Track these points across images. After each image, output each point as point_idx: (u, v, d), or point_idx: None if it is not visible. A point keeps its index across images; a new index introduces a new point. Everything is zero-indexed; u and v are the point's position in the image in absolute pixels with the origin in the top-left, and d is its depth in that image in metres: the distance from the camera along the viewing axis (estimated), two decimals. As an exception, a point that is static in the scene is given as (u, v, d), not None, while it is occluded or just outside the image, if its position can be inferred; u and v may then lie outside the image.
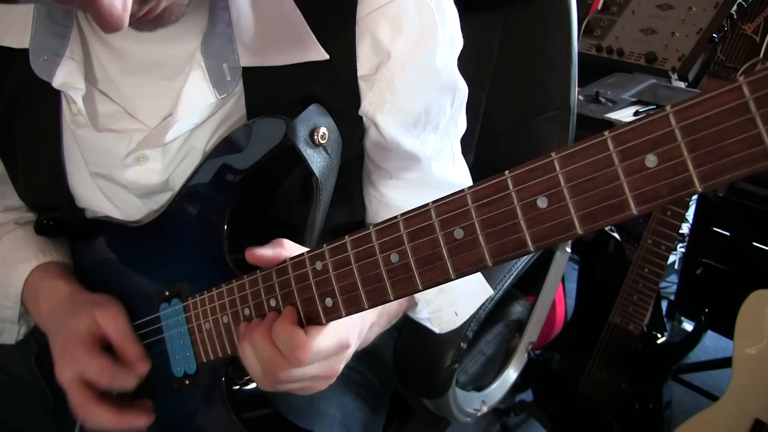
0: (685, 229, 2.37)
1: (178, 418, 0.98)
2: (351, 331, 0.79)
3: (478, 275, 1.09)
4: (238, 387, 0.91)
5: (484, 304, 1.22)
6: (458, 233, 0.58)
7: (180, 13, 0.79)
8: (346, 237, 0.68)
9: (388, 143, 0.93)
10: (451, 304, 1.07)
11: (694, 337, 1.82)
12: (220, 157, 0.89)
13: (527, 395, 2.22)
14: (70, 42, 0.88)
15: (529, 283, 1.69)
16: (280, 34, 0.85)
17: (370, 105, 0.90)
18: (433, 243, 0.60)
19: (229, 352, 0.84)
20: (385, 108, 0.90)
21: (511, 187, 0.54)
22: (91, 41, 0.90)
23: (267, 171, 0.89)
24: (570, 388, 1.98)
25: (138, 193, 0.95)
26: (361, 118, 0.92)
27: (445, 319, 1.08)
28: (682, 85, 2.18)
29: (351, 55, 0.86)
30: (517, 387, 1.94)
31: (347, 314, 0.71)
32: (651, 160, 0.46)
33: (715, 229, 2.19)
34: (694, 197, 2.16)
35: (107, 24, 0.65)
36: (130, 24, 0.68)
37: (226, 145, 0.89)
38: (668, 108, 0.44)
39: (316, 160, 0.84)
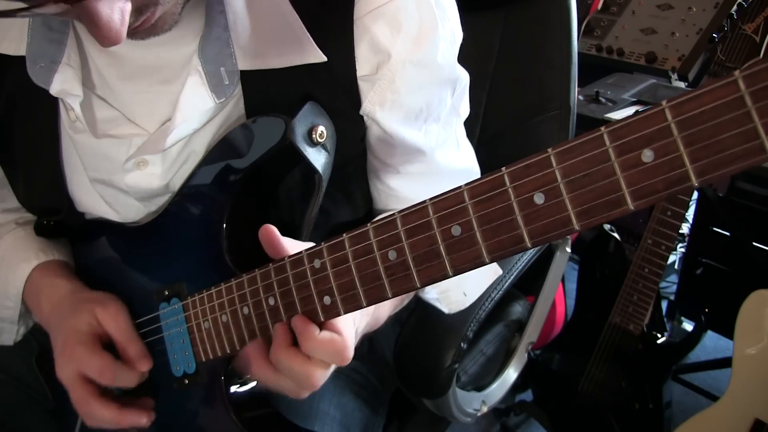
0: (685, 229, 2.37)
1: (177, 418, 0.98)
2: (355, 316, 0.80)
3: None
4: (237, 386, 0.91)
5: (485, 303, 1.22)
6: (455, 230, 0.58)
7: (173, 21, 0.79)
8: (344, 235, 0.68)
9: (392, 138, 0.93)
10: (459, 284, 1.08)
11: (694, 337, 1.82)
12: (219, 156, 0.90)
13: (527, 395, 2.22)
14: (66, 48, 0.88)
15: (529, 283, 1.69)
16: (278, 36, 0.85)
17: (371, 104, 0.90)
18: (431, 240, 0.60)
19: (229, 351, 0.84)
20: (386, 106, 0.90)
21: (507, 183, 0.54)
22: (87, 47, 0.90)
23: (266, 170, 0.89)
24: (570, 388, 1.98)
25: (138, 196, 0.96)
26: (362, 117, 0.92)
27: (453, 300, 1.09)
28: (682, 85, 2.17)
29: (350, 56, 0.86)
30: (517, 387, 1.94)
31: (345, 312, 0.71)
32: (647, 155, 0.46)
33: (715, 229, 2.19)
34: (694, 196, 2.16)
35: (105, 38, 0.66)
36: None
37: (225, 145, 0.89)
38: (664, 103, 0.44)
39: (317, 158, 0.84)
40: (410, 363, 1.29)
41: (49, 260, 1.04)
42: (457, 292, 1.08)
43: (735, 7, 1.74)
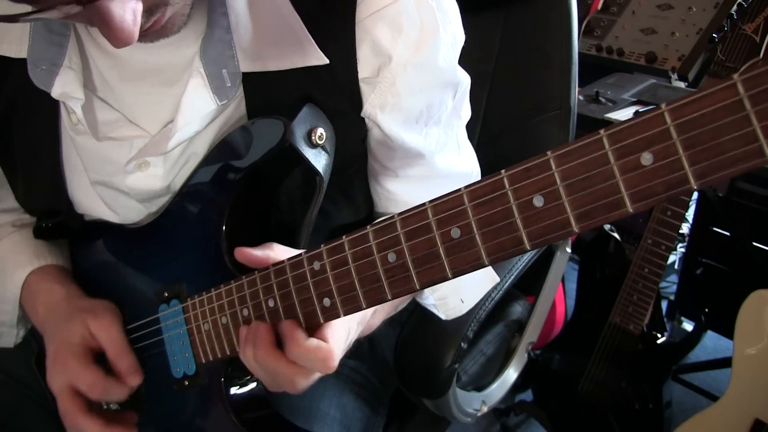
0: (685, 229, 2.37)
1: (177, 420, 0.98)
2: (349, 319, 0.80)
3: None
4: (237, 388, 0.91)
5: (485, 303, 1.22)
6: (455, 232, 0.58)
7: (181, 23, 0.80)
8: (344, 237, 0.68)
9: (392, 141, 0.93)
10: (457, 290, 1.08)
11: (694, 337, 1.82)
12: (219, 158, 0.90)
13: (527, 395, 2.22)
14: (67, 51, 0.88)
15: (529, 283, 1.69)
16: (279, 38, 0.85)
17: (372, 107, 0.90)
18: (430, 242, 0.60)
19: (228, 353, 0.84)
20: (386, 109, 0.90)
21: (507, 185, 0.54)
22: (89, 49, 0.90)
23: (265, 172, 0.89)
24: (570, 388, 1.98)
25: (139, 198, 0.96)
26: (363, 119, 0.92)
27: (450, 306, 1.09)
28: (682, 85, 2.17)
29: (351, 58, 0.86)
30: (517, 387, 1.94)
31: (345, 314, 0.71)
32: (646, 158, 0.46)
33: (715, 229, 2.19)
34: (694, 197, 2.16)
35: (118, 39, 0.66)
36: None
37: (225, 147, 0.89)
38: (663, 106, 0.45)
39: (318, 160, 0.84)
40: (410, 363, 1.29)
41: (46, 265, 1.04)
42: (454, 299, 1.08)
43: (735, 7, 1.74)
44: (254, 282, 0.79)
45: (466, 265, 0.59)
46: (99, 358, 0.94)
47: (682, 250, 2.54)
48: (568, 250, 1.67)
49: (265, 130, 0.85)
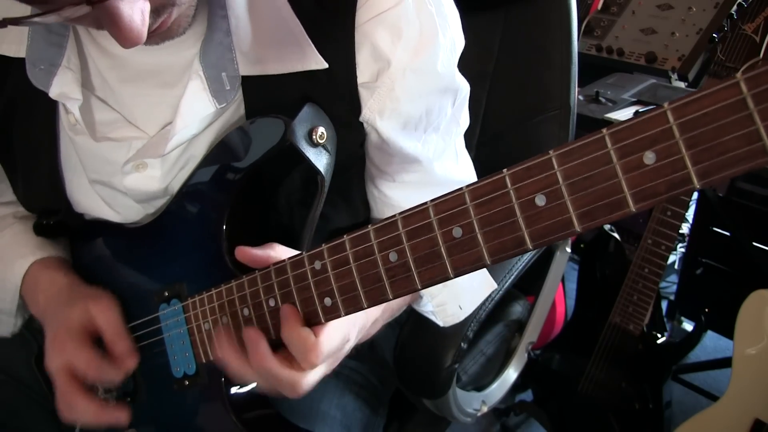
0: (685, 229, 2.37)
1: (177, 419, 0.98)
2: (351, 326, 0.80)
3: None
4: (238, 387, 0.91)
5: (485, 303, 1.22)
6: (457, 232, 0.58)
7: (186, 24, 0.80)
8: (345, 236, 0.68)
9: (390, 147, 0.93)
10: (456, 298, 1.08)
11: (694, 337, 1.82)
12: (219, 157, 0.90)
13: (527, 395, 2.22)
14: (66, 51, 0.88)
15: (529, 283, 1.69)
16: (279, 42, 0.85)
17: (370, 112, 0.90)
18: (432, 242, 0.60)
19: (228, 353, 0.84)
20: (385, 114, 0.90)
21: (509, 185, 0.54)
22: (89, 49, 0.90)
23: (266, 171, 0.89)
24: (570, 388, 1.98)
25: (137, 199, 0.96)
26: (361, 124, 0.92)
27: (449, 313, 1.09)
28: (682, 85, 2.17)
29: (350, 62, 0.86)
30: (517, 387, 1.94)
31: (346, 314, 0.71)
32: (649, 157, 0.46)
33: (715, 229, 2.18)
34: (694, 197, 2.16)
35: (127, 39, 0.66)
36: None
37: (226, 146, 0.89)
38: (666, 105, 0.44)
39: (319, 159, 0.84)
40: (410, 363, 1.29)
41: (48, 256, 1.04)
42: (453, 306, 1.08)
43: (735, 7, 1.74)
44: (255, 281, 0.79)
45: (467, 265, 0.58)
46: (97, 343, 0.94)
47: (682, 250, 2.54)
48: (568, 250, 1.67)
49: (266, 130, 0.85)
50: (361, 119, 0.91)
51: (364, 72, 0.87)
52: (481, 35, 1.49)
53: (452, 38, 0.91)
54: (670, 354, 1.82)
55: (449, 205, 0.58)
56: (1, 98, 0.96)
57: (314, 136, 0.83)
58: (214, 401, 0.91)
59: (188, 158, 0.92)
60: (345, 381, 1.19)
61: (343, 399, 1.17)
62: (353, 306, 0.69)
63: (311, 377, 0.78)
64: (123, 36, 0.66)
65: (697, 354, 2.30)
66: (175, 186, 0.94)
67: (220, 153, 0.90)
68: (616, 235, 1.95)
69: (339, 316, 0.72)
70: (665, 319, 1.88)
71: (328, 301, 0.71)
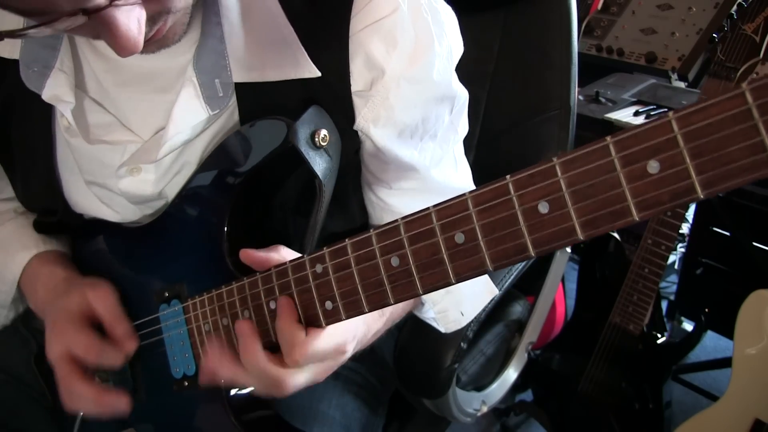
0: (685, 229, 2.37)
1: (176, 420, 0.98)
2: (349, 337, 0.80)
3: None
4: (237, 389, 0.91)
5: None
6: (459, 238, 0.58)
7: (182, 32, 0.80)
8: (347, 240, 0.68)
9: (385, 155, 0.92)
10: (458, 304, 1.07)
11: (694, 337, 1.82)
12: (222, 158, 0.89)
13: (527, 395, 2.22)
14: (60, 53, 0.88)
15: (529, 283, 1.69)
16: (273, 50, 0.84)
17: (364, 120, 0.89)
18: (434, 247, 0.60)
19: (229, 354, 0.84)
20: (379, 122, 0.89)
21: (512, 191, 0.54)
22: (84, 52, 0.90)
23: (268, 173, 0.89)
24: (570, 388, 1.98)
25: (132, 201, 0.96)
26: (356, 132, 0.91)
27: (451, 319, 1.08)
28: (682, 85, 2.17)
29: (344, 71, 0.86)
30: (517, 387, 1.94)
31: (347, 317, 0.71)
32: (653, 166, 0.45)
33: (715, 229, 2.18)
34: (695, 197, 2.15)
35: (124, 48, 0.66)
36: None
37: (228, 147, 0.89)
38: (671, 114, 0.44)
39: (318, 162, 0.84)
40: (410, 363, 1.29)
41: (49, 250, 1.05)
42: (454, 312, 1.07)
43: (735, 7, 1.74)
44: (255, 283, 0.79)
45: (469, 271, 0.58)
46: (97, 329, 0.95)
47: (682, 250, 2.54)
48: (568, 250, 1.67)
49: (268, 132, 0.85)
50: (355, 127, 0.90)
51: (357, 81, 0.87)
52: (481, 35, 1.49)
53: (449, 46, 0.90)
54: (670, 354, 1.82)
55: (452, 210, 0.58)
56: None
57: (317, 139, 0.83)
58: (213, 402, 0.91)
59: (183, 164, 0.92)
60: (344, 381, 1.19)
61: (342, 399, 1.17)
62: (354, 310, 0.69)
63: (297, 377, 0.77)
64: (120, 45, 0.65)
65: (697, 354, 2.31)
66: (170, 190, 0.94)
67: (222, 154, 0.89)
68: (616, 235, 1.95)
69: (340, 320, 0.72)
70: (665, 319, 1.88)
71: (329, 304, 0.71)
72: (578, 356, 1.95)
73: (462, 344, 1.26)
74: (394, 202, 0.99)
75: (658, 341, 1.81)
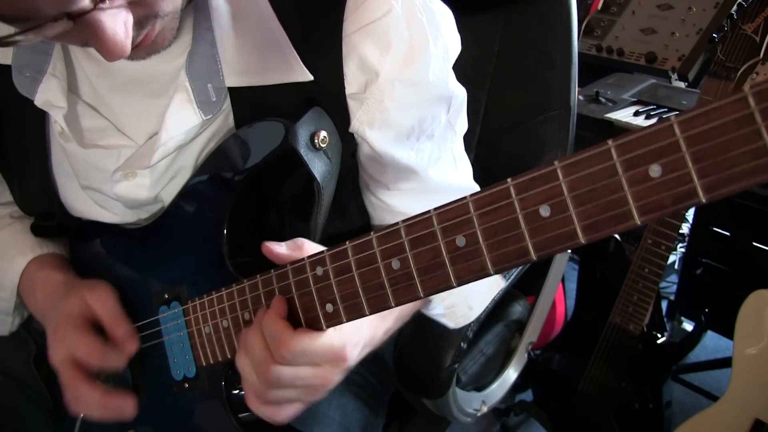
0: (685, 229, 2.37)
1: (177, 422, 0.98)
2: (349, 345, 0.78)
3: None
4: (237, 391, 0.91)
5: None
6: (460, 241, 0.58)
7: (171, 37, 0.79)
8: (347, 243, 0.68)
9: (382, 158, 0.92)
10: (466, 299, 1.07)
11: (694, 337, 1.82)
12: (221, 160, 0.89)
13: (527, 395, 2.22)
14: (52, 59, 0.88)
15: (529, 283, 1.69)
16: (265, 54, 0.84)
17: (359, 123, 0.89)
18: (435, 251, 0.60)
19: (229, 356, 0.84)
20: (375, 125, 0.89)
21: (513, 195, 0.53)
22: (77, 56, 0.89)
23: (267, 174, 0.89)
24: (570, 388, 1.98)
25: (128, 205, 0.96)
26: (352, 134, 0.91)
27: (459, 314, 1.08)
28: (682, 85, 2.18)
29: (338, 74, 0.85)
30: (517, 387, 1.94)
31: (348, 320, 0.70)
32: (655, 170, 0.45)
33: (715, 229, 2.18)
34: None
35: (111, 51, 0.65)
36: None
37: (227, 149, 0.89)
38: (673, 118, 0.44)
39: (317, 165, 0.84)
40: (410, 363, 1.29)
41: (45, 253, 1.05)
42: (463, 307, 1.07)
43: (735, 7, 1.74)
44: (256, 286, 0.79)
45: (471, 275, 0.58)
46: (99, 331, 0.95)
47: (682, 250, 2.54)
48: (569, 250, 1.66)
49: (268, 133, 0.85)
50: (350, 130, 0.90)
51: (352, 83, 0.86)
52: (481, 35, 1.49)
53: (444, 47, 0.90)
54: (670, 354, 1.82)
55: (453, 214, 0.58)
56: None
57: (316, 140, 0.83)
58: (213, 404, 0.91)
59: (178, 169, 0.92)
60: (344, 381, 1.18)
61: (342, 399, 1.17)
62: (355, 313, 0.69)
63: (285, 371, 0.74)
64: (107, 49, 0.65)
65: (697, 354, 2.30)
66: (165, 195, 0.94)
67: (221, 156, 0.89)
68: (616, 235, 1.95)
69: (341, 323, 0.71)
70: (665, 319, 1.88)
71: (329, 307, 0.71)
72: (578, 356, 1.95)
73: (462, 344, 1.26)
74: (394, 202, 0.99)
75: (658, 341, 1.81)
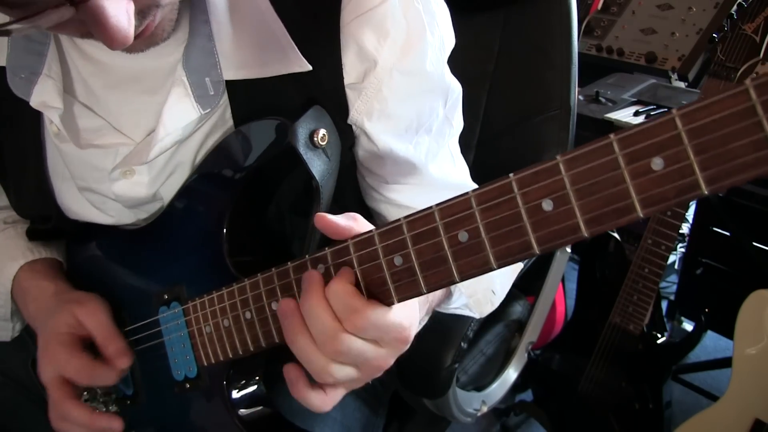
0: (685, 229, 2.37)
1: (178, 422, 0.98)
2: (413, 325, 0.72)
3: None
4: (239, 390, 0.91)
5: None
6: (462, 236, 0.58)
7: (170, 29, 0.79)
8: (349, 240, 0.68)
9: (380, 150, 0.92)
10: (488, 285, 1.03)
11: (694, 337, 1.82)
12: (220, 158, 0.89)
13: (527, 395, 2.22)
14: (47, 60, 0.87)
15: (529, 283, 1.69)
16: (262, 46, 0.84)
17: (358, 114, 0.89)
18: (437, 246, 0.60)
19: (231, 356, 0.84)
20: (374, 116, 0.89)
21: (515, 189, 0.54)
22: (72, 56, 0.89)
23: (267, 173, 0.89)
24: (570, 388, 1.98)
25: (127, 204, 0.96)
26: (350, 126, 0.91)
27: (483, 302, 1.03)
28: (682, 85, 2.18)
29: (336, 63, 0.85)
30: (517, 387, 1.94)
31: None
32: (657, 163, 0.45)
33: (715, 229, 2.18)
34: (695, 197, 2.15)
35: (114, 39, 0.64)
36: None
37: (226, 147, 0.89)
38: (675, 111, 0.44)
39: (316, 164, 0.84)
40: (410, 363, 1.28)
41: (37, 259, 1.04)
42: (486, 293, 1.02)
43: (735, 7, 1.74)
44: (257, 284, 0.78)
45: (474, 269, 0.58)
46: (88, 347, 0.94)
47: (682, 250, 2.54)
48: (568, 250, 1.67)
49: (267, 132, 0.84)
50: (349, 121, 0.90)
51: (350, 73, 0.86)
52: (481, 35, 1.49)
53: (441, 37, 0.90)
54: (670, 354, 1.82)
55: (455, 209, 0.58)
56: None
57: (315, 138, 0.83)
58: (215, 403, 0.91)
59: (176, 164, 0.92)
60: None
61: (342, 399, 1.17)
62: None
63: (356, 341, 0.68)
64: (109, 36, 0.64)
65: (697, 354, 2.30)
66: (165, 192, 0.94)
67: (220, 155, 0.89)
68: (616, 235, 1.95)
69: None
70: (665, 319, 1.88)
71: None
72: (578, 356, 1.95)
73: (462, 344, 1.26)
74: (394, 196, 0.98)
75: (658, 341, 1.81)
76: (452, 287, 0.97)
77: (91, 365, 0.91)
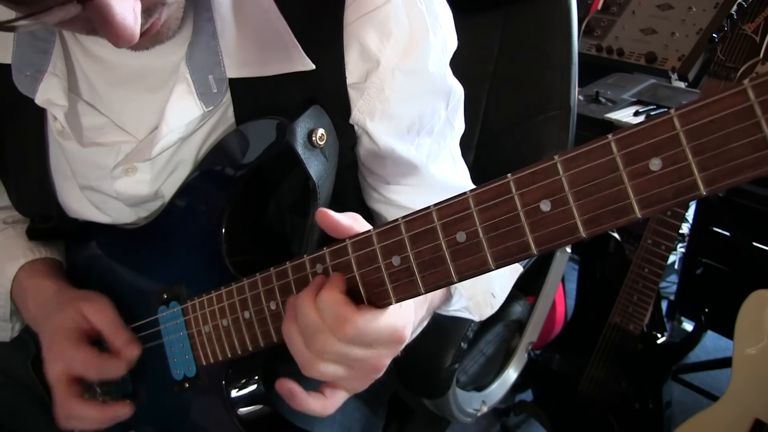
0: (685, 229, 2.37)
1: (177, 422, 0.98)
2: (408, 325, 0.71)
3: None
4: (238, 390, 0.91)
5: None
6: (461, 237, 0.58)
7: (176, 27, 0.79)
8: (347, 240, 0.68)
9: (382, 151, 0.92)
10: (488, 288, 1.03)
11: (694, 337, 1.82)
12: (219, 157, 0.89)
13: (527, 395, 2.22)
14: (52, 57, 0.87)
15: (529, 283, 1.70)
16: (266, 44, 0.84)
17: (360, 113, 0.89)
18: (436, 247, 0.60)
19: (230, 355, 0.84)
20: (376, 116, 0.89)
21: (513, 190, 0.54)
22: (76, 54, 0.89)
23: (265, 173, 0.89)
24: (570, 388, 1.97)
25: (128, 203, 0.95)
26: (352, 126, 0.91)
27: (483, 305, 1.03)
28: (682, 85, 2.18)
29: (339, 63, 0.85)
30: (517, 387, 1.94)
31: None
32: (655, 163, 0.45)
33: (715, 229, 2.18)
34: (695, 197, 2.15)
35: (120, 37, 0.64)
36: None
37: (225, 146, 0.88)
38: (672, 111, 0.44)
39: (314, 164, 0.84)
40: (410, 363, 1.28)
41: (37, 258, 1.04)
42: (486, 296, 1.03)
43: (735, 7, 1.74)
44: (255, 284, 0.78)
45: (472, 270, 0.58)
46: (96, 343, 0.95)
47: (682, 250, 2.53)
48: (568, 250, 1.67)
49: (265, 131, 0.84)
50: (351, 121, 0.90)
51: (353, 72, 0.86)
52: (481, 35, 1.48)
53: (443, 37, 0.90)
54: (670, 354, 1.82)
55: (453, 209, 0.58)
56: None
57: (314, 138, 0.83)
58: (214, 403, 0.91)
59: (178, 162, 0.92)
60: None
61: (342, 399, 1.17)
62: None
63: (339, 348, 0.68)
64: (115, 34, 0.64)
65: (697, 354, 2.30)
66: (166, 189, 0.94)
67: (219, 154, 0.89)
68: (616, 235, 1.95)
69: None
70: (665, 319, 1.88)
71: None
72: (578, 356, 1.95)
73: (462, 344, 1.26)
74: (394, 197, 0.98)
75: (658, 341, 1.81)
76: (452, 290, 0.98)
77: (98, 358, 0.92)
